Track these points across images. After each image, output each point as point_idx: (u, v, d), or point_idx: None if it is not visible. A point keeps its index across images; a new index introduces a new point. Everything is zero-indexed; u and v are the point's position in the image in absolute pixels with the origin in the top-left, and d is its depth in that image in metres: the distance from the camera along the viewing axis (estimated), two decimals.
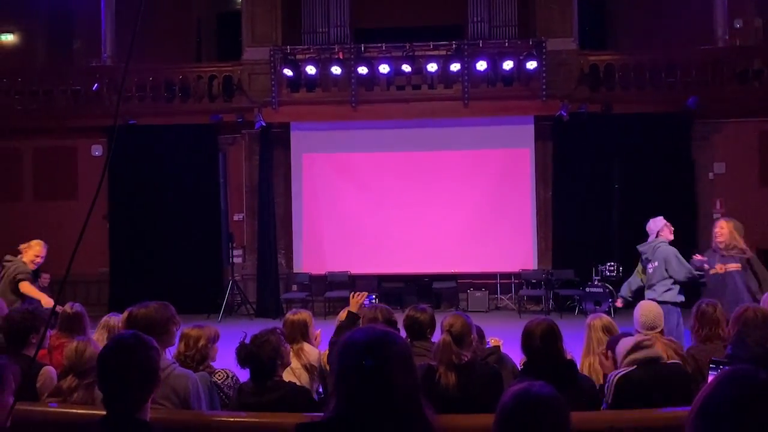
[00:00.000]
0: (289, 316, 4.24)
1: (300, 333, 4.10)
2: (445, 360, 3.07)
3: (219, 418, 2.99)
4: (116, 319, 4.12)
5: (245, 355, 3.13)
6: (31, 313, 3.73)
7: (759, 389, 1.22)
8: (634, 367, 3.16)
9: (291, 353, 3.56)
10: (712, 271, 6.16)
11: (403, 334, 3.98)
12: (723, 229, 6.18)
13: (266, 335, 3.18)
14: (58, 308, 4.12)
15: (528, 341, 3.09)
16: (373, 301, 4.14)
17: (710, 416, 1.23)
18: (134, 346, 2.13)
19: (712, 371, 3.11)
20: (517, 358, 4.53)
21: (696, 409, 1.27)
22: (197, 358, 3.53)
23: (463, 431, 2.68)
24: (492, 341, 4.32)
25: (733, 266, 6.01)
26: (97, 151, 12.37)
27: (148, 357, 2.12)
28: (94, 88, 12.13)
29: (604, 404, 3.20)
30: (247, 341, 3.17)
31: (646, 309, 4.12)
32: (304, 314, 4.26)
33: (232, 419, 2.93)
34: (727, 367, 3.22)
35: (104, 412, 2.09)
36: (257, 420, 2.84)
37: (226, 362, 3.82)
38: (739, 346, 3.40)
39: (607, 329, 3.85)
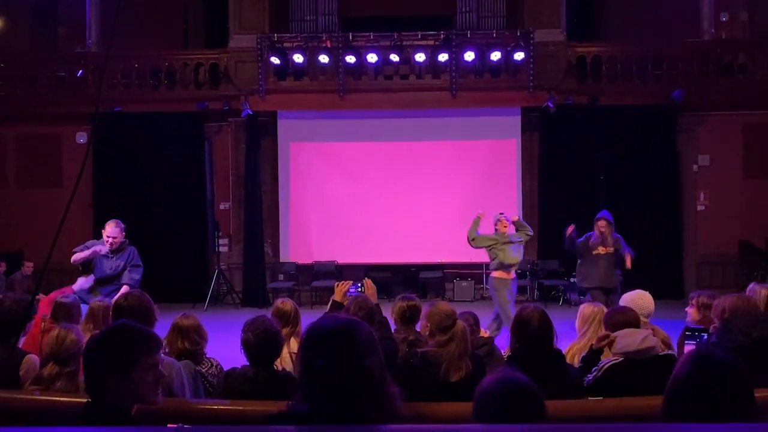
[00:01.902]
0: (278, 304, 4.25)
1: (290, 321, 4.12)
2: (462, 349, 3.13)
3: (203, 406, 3.00)
4: (100, 304, 4.11)
5: (259, 341, 3.14)
6: (23, 302, 3.71)
7: (715, 368, 1.27)
8: (623, 358, 3.20)
9: (282, 342, 3.58)
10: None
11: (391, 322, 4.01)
12: None
13: (270, 324, 3.22)
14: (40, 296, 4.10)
15: (523, 329, 3.10)
16: (359, 289, 4.14)
17: (674, 394, 1.28)
18: (121, 334, 2.11)
19: (688, 341, 3.20)
20: (502, 346, 4.58)
21: (666, 388, 1.32)
22: (189, 348, 3.54)
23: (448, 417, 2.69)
24: (482, 333, 4.37)
25: None
26: (81, 138, 12.25)
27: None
28: (78, 75, 12.00)
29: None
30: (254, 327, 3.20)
31: (649, 299, 4.17)
32: (291, 303, 4.29)
33: (216, 407, 2.93)
34: (699, 341, 3.28)
35: (85, 400, 2.08)
36: (242, 408, 2.84)
37: (211, 351, 3.83)
38: (724, 334, 3.44)
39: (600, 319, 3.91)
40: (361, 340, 1.67)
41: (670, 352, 3.53)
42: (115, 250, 6.30)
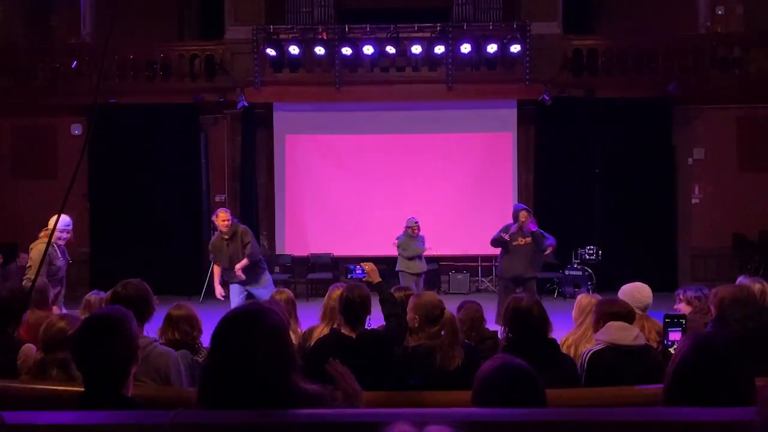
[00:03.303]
0: (275, 295, 4.26)
1: (287, 311, 4.12)
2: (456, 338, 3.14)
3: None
4: (96, 297, 4.11)
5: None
6: (20, 291, 3.70)
7: (715, 353, 1.29)
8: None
9: None
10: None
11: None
12: None
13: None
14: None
15: (518, 318, 3.11)
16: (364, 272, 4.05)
17: (675, 378, 1.30)
18: (110, 322, 2.10)
19: (671, 328, 3.21)
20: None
21: (667, 372, 1.34)
22: (182, 339, 3.55)
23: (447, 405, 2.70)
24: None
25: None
26: (76, 129, 12.20)
27: (125, 332, 2.09)
28: (73, 66, 11.93)
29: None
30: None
31: (647, 292, 4.18)
32: (288, 293, 4.30)
33: None
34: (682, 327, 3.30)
35: (82, 389, 2.08)
36: None
37: (206, 342, 3.83)
38: (721, 323, 3.46)
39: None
40: (267, 328, 1.64)
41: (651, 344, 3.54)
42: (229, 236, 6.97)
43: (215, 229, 7.35)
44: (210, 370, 1.64)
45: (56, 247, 5.78)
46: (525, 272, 7.94)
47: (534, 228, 7.98)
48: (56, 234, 5.64)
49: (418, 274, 9.16)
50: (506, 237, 7.91)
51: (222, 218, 7.07)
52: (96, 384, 2.04)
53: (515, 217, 8.11)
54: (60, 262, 5.82)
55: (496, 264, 12.21)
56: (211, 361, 1.65)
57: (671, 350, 3.00)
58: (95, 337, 2.06)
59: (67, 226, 5.94)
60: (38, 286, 4.13)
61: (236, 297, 7.16)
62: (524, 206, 8.37)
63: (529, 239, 7.94)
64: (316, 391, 1.66)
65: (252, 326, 1.63)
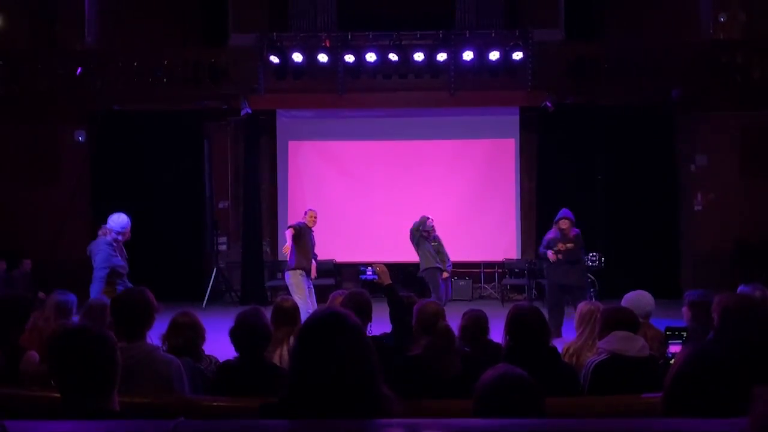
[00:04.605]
0: (279, 302, 4.26)
1: (290, 319, 4.12)
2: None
3: (201, 402, 3.01)
4: (97, 302, 4.13)
5: (242, 331, 3.17)
6: (24, 299, 3.71)
7: (714, 364, 1.29)
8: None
9: (283, 339, 3.60)
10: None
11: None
12: None
13: (254, 314, 3.25)
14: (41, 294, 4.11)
15: (520, 327, 3.11)
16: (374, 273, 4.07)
17: (674, 389, 1.30)
18: (82, 338, 2.05)
19: (671, 341, 3.21)
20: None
21: (666, 383, 1.34)
22: (187, 345, 3.56)
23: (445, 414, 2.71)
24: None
25: None
26: (80, 136, 12.24)
27: (96, 349, 2.02)
28: (77, 72, 11.98)
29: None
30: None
31: (648, 300, 4.18)
32: (292, 301, 4.31)
33: (214, 403, 2.94)
34: (683, 340, 3.30)
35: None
36: (238, 405, 2.85)
37: (209, 348, 3.85)
38: (725, 332, 3.45)
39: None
40: (345, 332, 1.65)
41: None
42: None
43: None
44: (299, 376, 1.62)
45: (115, 247, 5.89)
46: (568, 278, 7.87)
47: (577, 236, 7.97)
48: (116, 234, 5.83)
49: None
50: (552, 256, 7.91)
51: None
52: (73, 396, 2.00)
53: (557, 224, 8.05)
54: (121, 260, 5.95)
55: (498, 270, 12.28)
56: (300, 367, 1.63)
57: (672, 362, 3.01)
58: (70, 350, 2.02)
59: (126, 225, 6.04)
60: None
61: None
62: (567, 213, 8.17)
63: (571, 245, 7.89)
64: (392, 397, 1.68)
65: (343, 330, 1.64)
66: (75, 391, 1.99)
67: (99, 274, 5.83)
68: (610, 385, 3.10)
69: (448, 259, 9.14)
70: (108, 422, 1.67)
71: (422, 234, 8.88)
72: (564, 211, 8.23)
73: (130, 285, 5.78)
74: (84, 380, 1.98)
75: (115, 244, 6.00)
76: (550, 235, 8.19)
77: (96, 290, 5.83)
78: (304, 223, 8.31)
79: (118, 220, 6.01)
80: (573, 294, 7.84)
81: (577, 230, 8.12)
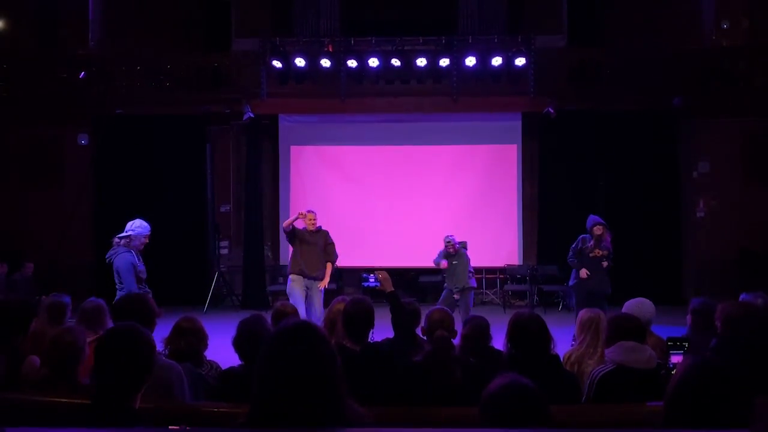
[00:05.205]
0: (279, 306, 4.26)
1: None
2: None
3: (202, 408, 3.01)
4: (92, 304, 4.10)
5: (243, 339, 3.17)
6: (26, 303, 3.71)
7: (714, 375, 1.29)
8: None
9: None
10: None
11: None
12: None
13: (256, 321, 3.25)
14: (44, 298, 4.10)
15: (520, 334, 3.10)
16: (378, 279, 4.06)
17: (674, 400, 1.30)
18: (131, 336, 2.16)
19: (673, 351, 3.20)
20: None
21: (667, 394, 1.34)
22: (190, 351, 3.56)
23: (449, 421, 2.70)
24: None
25: None
26: (83, 140, 12.27)
27: (144, 348, 2.16)
28: (81, 76, 12.02)
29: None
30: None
31: (648, 307, 4.16)
32: (292, 306, 4.31)
33: (215, 409, 2.94)
34: (684, 351, 3.29)
35: (87, 401, 2.10)
36: (239, 411, 2.85)
37: (210, 353, 3.84)
38: (728, 340, 3.45)
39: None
40: (319, 341, 1.64)
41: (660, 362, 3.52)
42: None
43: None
44: (266, 387, 1.61)
45: (135, 254, 5.88)
46: (601, 286, 7.77)
47: (609, 242, 7.89)
48: (137, 240, 5.81)
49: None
50: (584, 275, 7.79)
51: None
52: (109, 394, 2.08)
53: (590, 231, 7.94)
54: (142, 266, 5.94)
55: (500, 276, 12.26)
56: (267, 377, 1.62)
57: (673, 372, 2.99)
58: (119, 348, 2.13)
59: (145, 231, 6.02)
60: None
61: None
62: (599, 219, 8.06)
63: (605, 252, 7.84)
64: (361, 412, 1.67)
65: (312, 342, 1.63)
66: (113, 391, 2.08)
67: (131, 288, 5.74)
68: (615, 396, 3.08)
69: (464, 279, 8.64)
70: (112, 429, 1.67)
71: (448, 251, 8.69)
72: (594, 218, 8.09)
73: (148, 290, 5.76)
74: (125, 379, 2.09)
75: (136, 250, 6.00)
76: (583, 243, 7.96)
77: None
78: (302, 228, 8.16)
79: (143, 224, 6.04)
80: (599, 301, 7.65)
81: (610, 234, 7.99)
